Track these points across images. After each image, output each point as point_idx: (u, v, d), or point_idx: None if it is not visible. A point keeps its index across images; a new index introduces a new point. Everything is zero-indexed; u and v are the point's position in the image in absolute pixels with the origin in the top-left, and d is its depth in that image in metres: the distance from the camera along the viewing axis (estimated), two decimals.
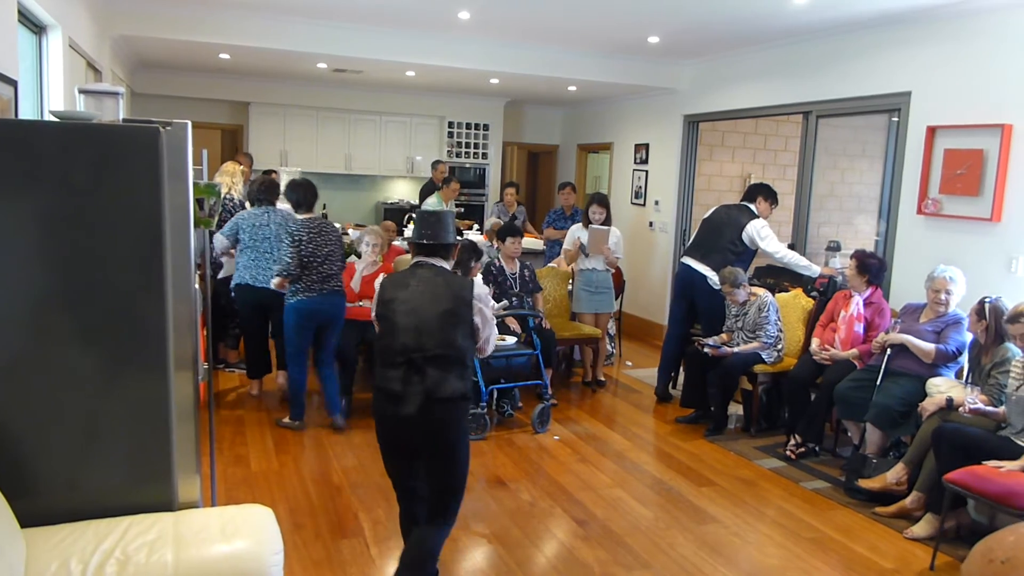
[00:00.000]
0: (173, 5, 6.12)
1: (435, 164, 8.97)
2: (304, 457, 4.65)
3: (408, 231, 7.78)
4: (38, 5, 3.99)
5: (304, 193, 5.08)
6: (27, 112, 3.97)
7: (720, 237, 5.84)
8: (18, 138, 2.29)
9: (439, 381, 2.85)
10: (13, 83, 3.34)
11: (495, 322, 3.08)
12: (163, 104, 8.88)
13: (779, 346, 5.35)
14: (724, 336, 5.55)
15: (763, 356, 5.29)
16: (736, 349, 5.35)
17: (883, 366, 4.56)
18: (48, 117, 4.18)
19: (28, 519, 2.27)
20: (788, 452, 4.94)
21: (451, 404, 2.88)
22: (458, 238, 3.16)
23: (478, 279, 4.98)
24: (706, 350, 5.39)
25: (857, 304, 4.94)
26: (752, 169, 9.42)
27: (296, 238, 4.83)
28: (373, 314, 3.05)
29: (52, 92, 4.55)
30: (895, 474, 4.18)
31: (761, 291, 5.43)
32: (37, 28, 4.39)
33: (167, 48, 7.19)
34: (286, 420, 5.11)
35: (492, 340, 3.09)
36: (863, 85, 5.84)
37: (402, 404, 2.84)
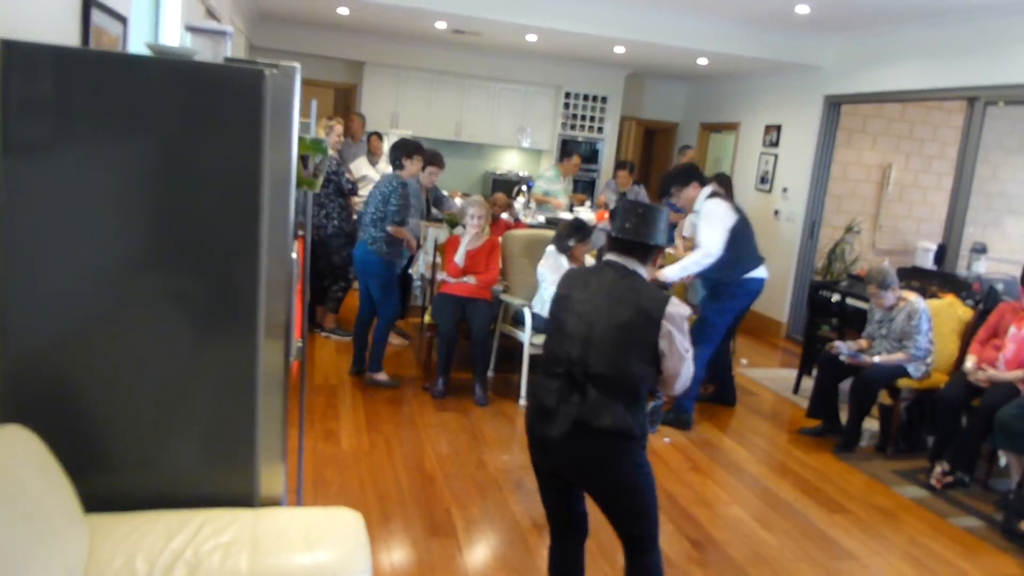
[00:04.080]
0: None
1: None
2: (397, 438, 4.38)
3: (519, 203, 7.41)
4: None
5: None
6: (138, 52, 3.78)
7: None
8: (103, 71, 2.02)
9: (598, 408, 2.30)
10: (123, 19, 3.12)
11: (691, 356, 2.47)
12: (279, 58, 8.65)
13: (928, 359, 4.72)
14: (863, 342, 4.96)
15: (909, 369, 4.67)
16: (877, 359, 4.75)
17: None
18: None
19: (94, 502, 2.03)
20: (933, 481, 4.35)
21: (607, 439, 2.32)
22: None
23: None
24: (841, 356, 4.82)
25: None
26: (894, 159, 8.61)
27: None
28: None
29: (167, 36, 4.38)
30: None
31: (912, 296, 4.80)
32: None
33: (287, 0, 7.01)
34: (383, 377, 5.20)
35: (685, 378, 2.41)
36: None
37: (550, 424, 2.37)
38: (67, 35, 2.49)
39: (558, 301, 2.50)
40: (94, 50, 2.55)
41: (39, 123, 1.97)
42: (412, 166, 5.16)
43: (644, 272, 2.48)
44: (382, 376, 5.18)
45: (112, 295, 2.10)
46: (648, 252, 2.48)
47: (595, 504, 2.50)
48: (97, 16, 2.72)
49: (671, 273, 4.78)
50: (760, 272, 5.01)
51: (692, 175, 5.02)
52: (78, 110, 1.99)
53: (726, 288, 4.94)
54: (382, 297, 5.13)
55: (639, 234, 2.45)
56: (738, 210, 4.96)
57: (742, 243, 4.87)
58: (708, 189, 4.93)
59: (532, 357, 4.93)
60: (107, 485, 2.12)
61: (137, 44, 3.67)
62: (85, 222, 2.03)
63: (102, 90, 2.00)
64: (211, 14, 5.41)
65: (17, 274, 2.01)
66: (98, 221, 2.06)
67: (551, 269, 4.96)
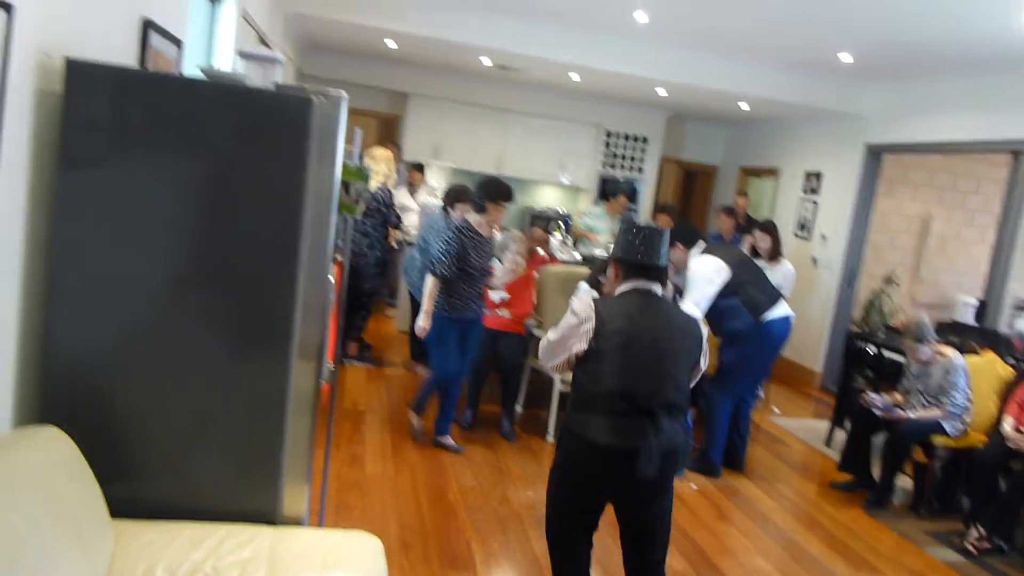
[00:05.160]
0: None
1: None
2: (421, 467, 4.37)
3: (555, 239, 7.44)
4: None
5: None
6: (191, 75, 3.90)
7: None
8: (159, 92, 2.09)
9: (671, 434, 2.40)
10: (179, 43, 3.23)
11: None
12: (327, 86, 8.93)
13: (965, 417, 4.61)
14: (898, 396, 4.86)
15: (945, 426, 4.57)
16: (912, 414, 4.65)
17: None
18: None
19: (122, 509, 2.06)
20: (968, 545, 4.21)
21: (678, 459, 2.46)
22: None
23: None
24: (875, 410, 4.73)
25: None
26: (936, 211, 8.51)
27: None
28: (580, 347, 2.50)
29: (220, 60, 4.51)
30: None
31: (950, 351, 4.70)
32: None
33: (337, 30, 7.19)
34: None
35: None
36: None
37: (639, 463, 2.36)
38: (126, 56, 2.58)
39: (610, 337, 2.43)
40: (151, 71, 2.64)
41: (96, 139, 2.04)
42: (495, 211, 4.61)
43: (661, 292, 2.58)
44: (448, 440, 4.70)
45: (154, 308, 2.14)
46: (663, 274, 2.57)
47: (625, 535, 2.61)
48: (155, 39, 2.82)
49: None
50: (778, 311, 4.81)
51: (674, 236, 4.87)
52: (133, 128, 2.06)
53: (743, 335, 4.76)
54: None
55: (653, 257, 2.53)
56: (736, 257, 4.85)
57: (749, 287, 4.71)
58: (700, 246, 4.85)
59: (562, 394, 4.90)
60: (135, 492, 2.15)
61: (191, 67, 3.79)
62: (133, 236, 2.09)
63: (157, 110, 2.07)
64: (263, 41, 5.56)
65: (67, 282, 2.07)
66: (146, 236, 2.11)
67: None
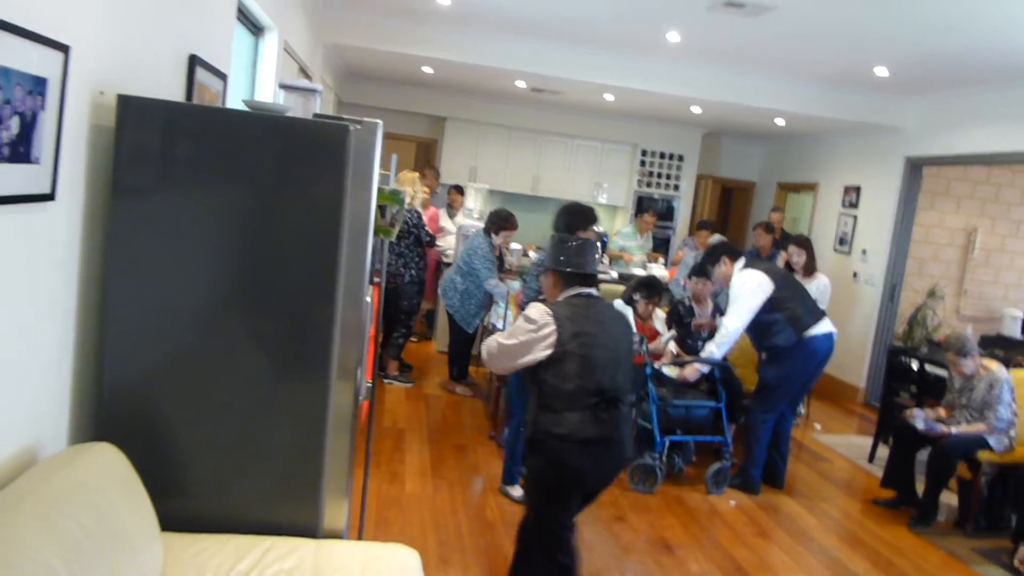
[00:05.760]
0: (386, 16, 6.23)
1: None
2: (460, 485, 4.42)
3: None
4: (259, 7, 4.09)
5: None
6: (235, 107, 4.06)
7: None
8: (206, 125, 2.21)
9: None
10: (223, 76, 3.38)
11: None
12: (365, 113, 9.00)
13: (1011, 432, 4.52)
14: (942, 411, 4.79)
15: (990, 441, 4.49)
16: (955, 429, 4.58)
17: None
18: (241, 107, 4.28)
19: (171, 522, 2.16)
20: (1017, 563, 4.12)
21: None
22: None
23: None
24: (918, 425, 4.67)
25: None
26: (979, 223, 8.36)
27: None
28: (543, 352, 2.70)
29: (263, 91, 4.68)
30: None
31: (994, 364, 4.63)
32: (256, 29, 4.53)
33: (375, 59, 7.37)
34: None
35: None
36: None
37: (618, 448, 2.74)
38: (174, 89, 2.72)
39: (572, 339, 2.68)
40: (199, 105, 2.77)
41: (146, 170, 2.16)
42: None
43: None
44: (516, 491, 4.29)
45: (201, 330, 2.25)
46: (596, 278, 2.94)
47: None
48: (201, 73, 2.96)
49: (701, 368, 4.73)
50: (821, 328, 4.75)
51: (721, 251, 4.93)
52: (181, 159, 2.18)
53: (785, 352, 4.71)
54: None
55: (588, 266, 2.88)
56: (778, 273, 4.87)
57: (792, 303, 4.69)
58: (741, 262, 4.86)
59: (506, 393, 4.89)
60: (183, 506, 2.24)
61: (236, 97, 3.95)
62: (181, 262, 2.20)
63: (203, 141, 2.18)
64: (304, 72, 5.74)
65: (120, 305, 2.18)
66: (193, 261, 2.22)
67: None
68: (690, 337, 5.26)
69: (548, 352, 2.67)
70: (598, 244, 2.92)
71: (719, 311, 5.36)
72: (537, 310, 2.73)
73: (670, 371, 4.90)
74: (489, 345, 2.85)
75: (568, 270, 2.84)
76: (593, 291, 2.87)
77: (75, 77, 1.93)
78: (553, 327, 2.68)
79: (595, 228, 4.18)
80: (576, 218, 4.08)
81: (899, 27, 4.92)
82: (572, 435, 2.63)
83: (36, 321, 1.91)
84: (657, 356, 5.03)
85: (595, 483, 2.81)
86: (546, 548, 2.80)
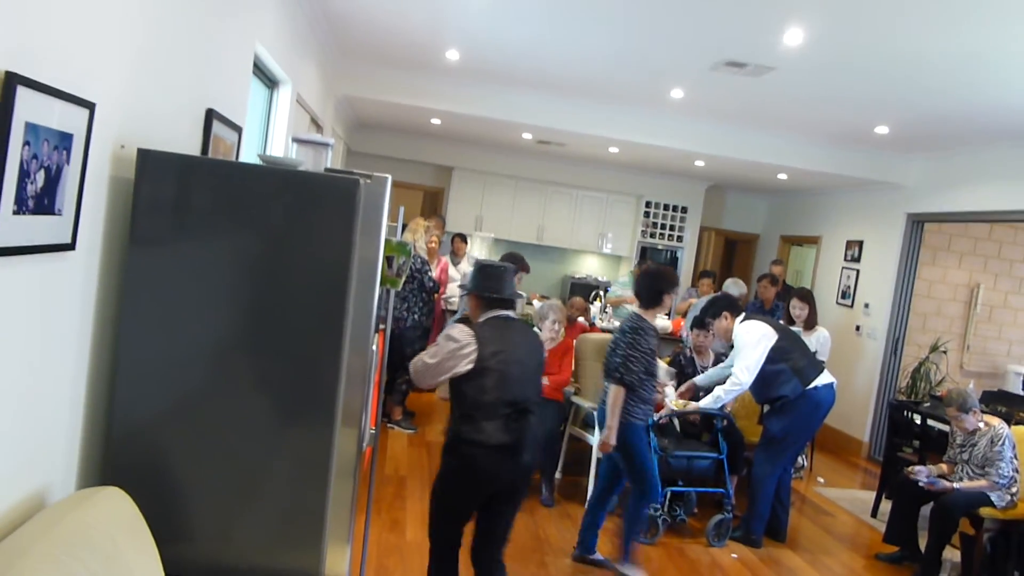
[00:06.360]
0: (395, 70, 6.40)
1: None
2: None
3: (595, 308, 7.55)
4: (274, 62, 4.22)
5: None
6: (249, 158, 4.17)
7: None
8: (221, 178, 2.30)
9: (537, 427, 3.07)
10: (238, 129, 3.48)
11: None
12: (374, 162, 9.34)
13: (1013, 488, 4.51)
14: (944, 467, 4.78)
15: (992, 497, 4.47)
16: (958, 485, 4.57)
17: None
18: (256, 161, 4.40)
19: (175, 567, 2.17)
20: None
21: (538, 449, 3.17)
22: None
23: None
24: (920, 481, 4.65)
25: None
26: (982, 279, 8.42)
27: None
28: (465, 367, 2.96)
29: (276, 141, 4.80)
30: None
31: (996, 421, 4.64)
32: (271, 82, 4.66)
33: (384, 110, 7.54)
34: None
35: None
36: None
37: (524, 453, 2.98)
38: (191, 142, 2.81)
39: (491, 357, 2.96)
40: (213, 159, 2.86)
41: (162, 220, 2.23)
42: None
43: None
44: (636, 573, 4.06)
45: (209, 376, 2.30)
46: (513, 301, 3.19)
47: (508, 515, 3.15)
48: (217, 126, 3.06)
49: (705, 403, 4.76)
50: (823, 379, 4.81)
51: (722, 306, 5.00)
52: (196, 210, 2.25)
53: (790, 403, 4.74)
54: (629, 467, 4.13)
55: (505, 291, 3.14)
56: (776, 324, 4.92)
57: (794, 354, 4.75)
58: (742, 315, 4.92)
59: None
60: (186, 551, 2.26)
61: (249, 148, 4.06)
62: (192, 309, 2.26)
63: (218, 194, 2.26)
64: (315, 122, 5.89)
65: (132, 351, 2.23)
66: (205, 308, 2.28)
67: None
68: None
69: (469, 367, 2.95)
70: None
71: (720, 363, 5.40)
72: (460, 331, 3.02)
73: (676, 405, 4.87)
74: (416, 364, 3.10)
75: (488, 294, 3.11)
76: (510, 313, 3.15)
77: (99, 132, 2.01)
78: (474, 346, 2.97)
79: (675, 292, 4.20)
80: (659, 281, 4.07)
81: (899, 89, 5.04)
82: (486, 441, 2.92)
83: (50, 366, 1.96)
84: (658, 408, 5.04)
85: (501, 485, 3.03)
86: (438, 551, 3.19)
